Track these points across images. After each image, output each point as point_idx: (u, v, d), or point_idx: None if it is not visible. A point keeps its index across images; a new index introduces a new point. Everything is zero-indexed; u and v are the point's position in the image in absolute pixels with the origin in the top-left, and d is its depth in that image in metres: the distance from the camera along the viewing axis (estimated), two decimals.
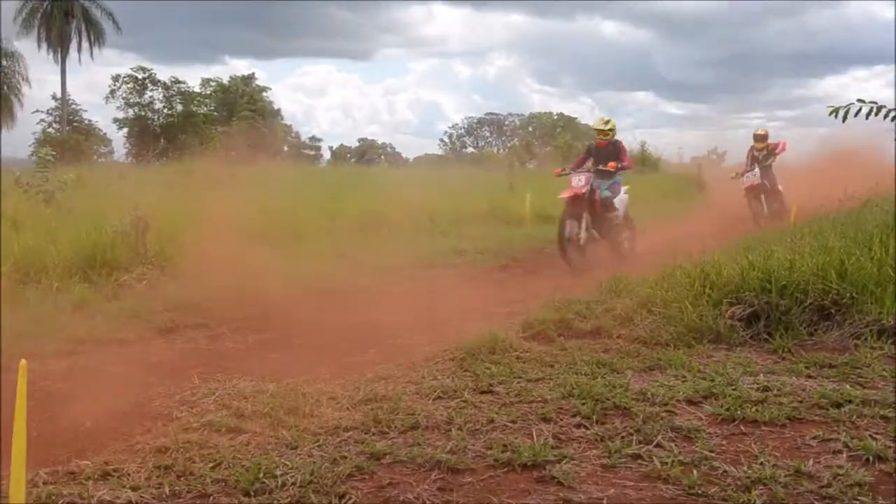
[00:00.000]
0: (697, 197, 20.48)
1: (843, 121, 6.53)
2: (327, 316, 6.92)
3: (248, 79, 54.30)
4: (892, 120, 6.56)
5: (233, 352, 6.05)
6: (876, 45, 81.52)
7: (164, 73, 66.42)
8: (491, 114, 76.08)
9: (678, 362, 5.22)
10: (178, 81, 50.27)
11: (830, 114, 6.59)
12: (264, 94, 54.53)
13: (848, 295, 5.94)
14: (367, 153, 66.89)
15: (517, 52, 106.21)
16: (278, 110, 56.33)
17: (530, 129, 70.01)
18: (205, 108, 51.19)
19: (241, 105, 50.86)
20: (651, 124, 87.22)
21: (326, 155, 60.07)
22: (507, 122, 74.50)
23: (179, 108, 49.72)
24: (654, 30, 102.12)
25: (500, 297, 7.96)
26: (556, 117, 70.27)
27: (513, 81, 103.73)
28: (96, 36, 47.61)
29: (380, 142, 73.45)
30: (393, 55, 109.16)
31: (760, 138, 14.58)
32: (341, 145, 65.63)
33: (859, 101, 6.47)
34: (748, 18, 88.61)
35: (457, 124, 76.85)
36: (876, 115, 6.53)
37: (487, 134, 75.24)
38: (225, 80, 53.59)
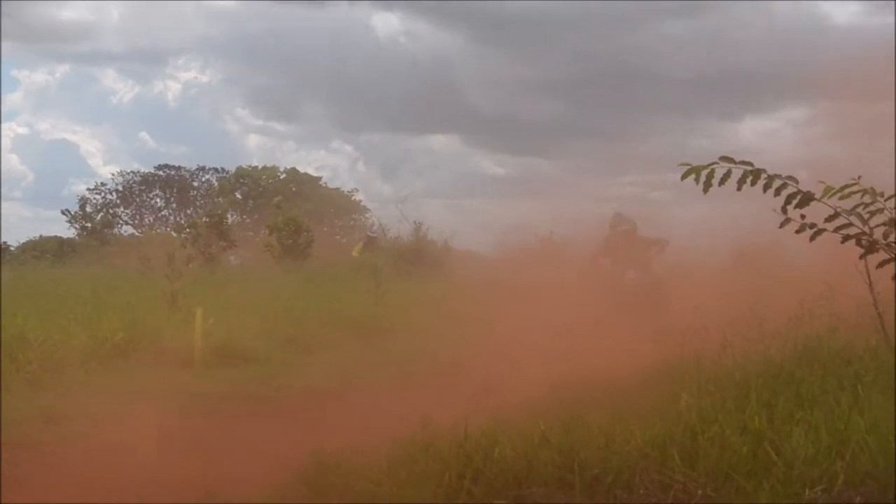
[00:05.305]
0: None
1: (705, 191, 5.98)
2: None
3: None
4: (777, 193, 5.98)
5: None
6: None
7: None
8: (166, 167, 58.85)
9: None
10: None
11: (684, 177, 6.00)
12: None
13: (699, 492, 4.94)
14: None
15: (224, 58, 74.67)
16: None
17: (237, 194, 58.18)
18: None
19: None
20: (457, 191, 65.67)
21: None
22: (196, 183, 59.42)
23: None
24: (461, 30, 73.57)
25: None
26: (282, 175, 58.53)
27: (213, 111, 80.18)
28: None
29: None
30: None
31: (626, 235, 13.60)
32: None
33: (723, 158, 5.89)
34: (624, 19, 62.65)
35: (104, 184, 57.50)
36: (753, 184, 5.97)
37: (160, 201, 58.72)
38: None
